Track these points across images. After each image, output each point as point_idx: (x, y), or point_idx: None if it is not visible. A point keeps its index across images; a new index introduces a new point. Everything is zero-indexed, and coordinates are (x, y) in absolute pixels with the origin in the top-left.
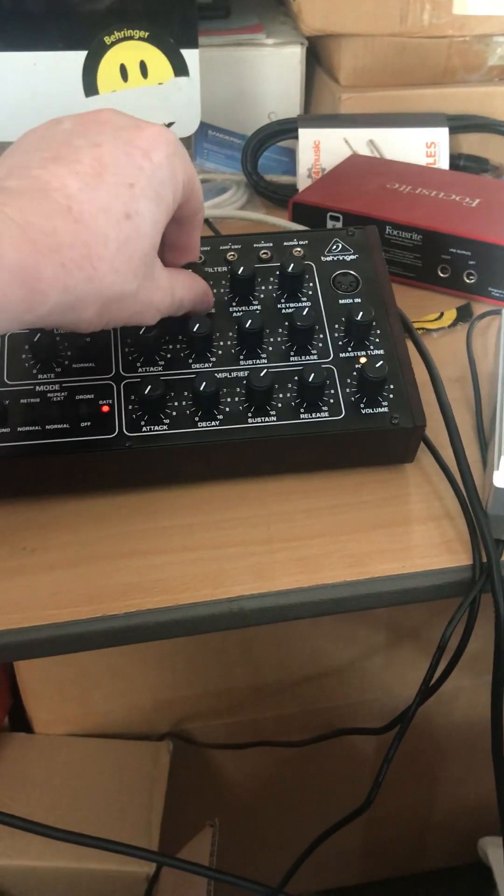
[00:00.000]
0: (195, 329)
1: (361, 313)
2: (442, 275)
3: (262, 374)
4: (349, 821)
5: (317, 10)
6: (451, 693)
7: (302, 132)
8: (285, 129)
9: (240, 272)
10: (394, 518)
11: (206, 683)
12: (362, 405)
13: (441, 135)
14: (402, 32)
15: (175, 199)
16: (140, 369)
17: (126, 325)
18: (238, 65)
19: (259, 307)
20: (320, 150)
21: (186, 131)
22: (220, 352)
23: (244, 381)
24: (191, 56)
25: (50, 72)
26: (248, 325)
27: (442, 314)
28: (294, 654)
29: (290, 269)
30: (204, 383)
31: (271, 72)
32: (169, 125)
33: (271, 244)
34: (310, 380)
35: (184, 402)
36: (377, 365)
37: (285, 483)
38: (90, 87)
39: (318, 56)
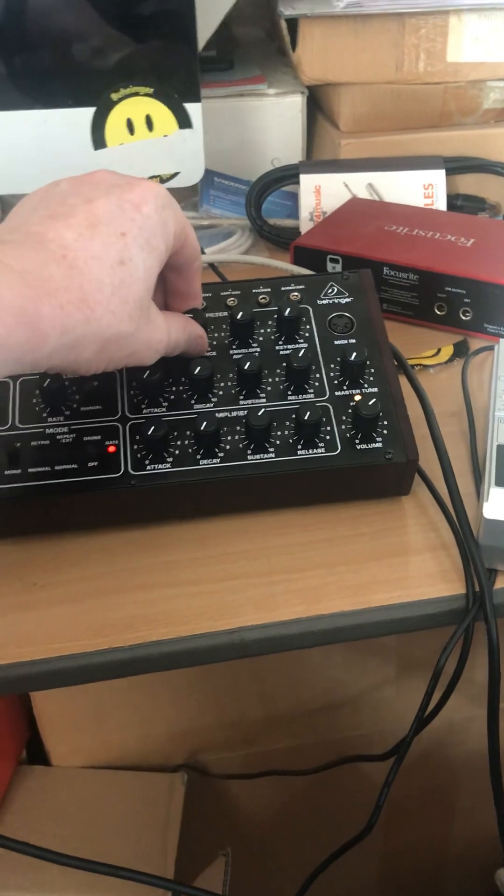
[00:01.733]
0: (196, 371)
1: (355, 353)
2: (439, 312)
3: (260, 413)
4: (351, 846)
5: (316, 60)
6: (463, 723)
7: (303, 177)
8: (287, 175)
9: (239, 317)
10: (390, 549)
11: (220, 715)
12: (357, 441)
13: (438, 177)
14: (398, 80)
15: (167, 248)
16: (144, 411)
17: (126, 365)
18: (241, 114)
19: (258, 349)
20: (321, 194)
21: (191, 180)
22: (220, 393)
23: (244, 420)
24: (194, 109)
25: (60, 127)
26: (247, 367)
27: (439, 350)
28: (306, 684)
29: (286, 312)
30: (205, 423)
31: (274, 120)
32: (174, 175)
33: (269, 289)
34: (306, 417)
35: (186, 442)
36: (370, 403)
37: (285, 517)
38: (99, 141)
39: (318, 103)
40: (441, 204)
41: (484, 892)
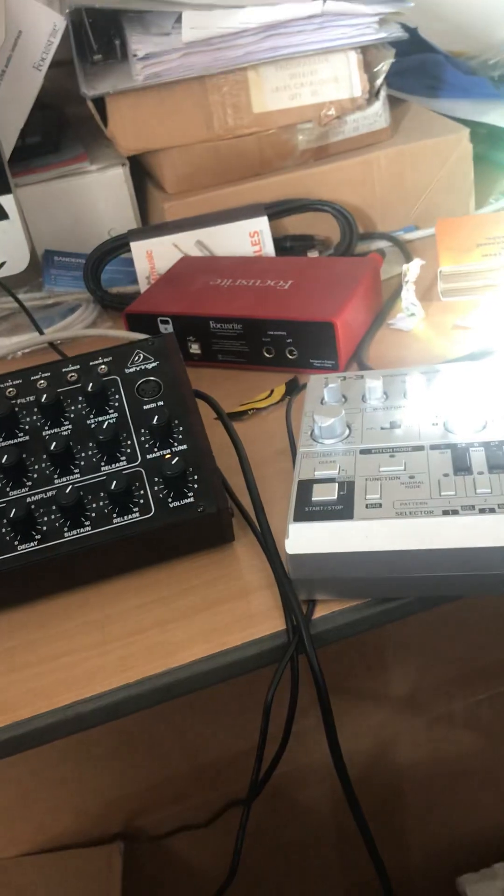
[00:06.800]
0: (4, 460)
1: (157, 416)
2: (267, 355)
3: (67, 491)
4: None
5: (128, 132)
6: (390, 739)
7: (133, 245)
8: (119, 245)
9: (43, 399)
10: (221, 596)
11: (148, 777)
12: (170, 500)
13: (262, 223)
14: (211, 137)
15: None
16: None
17: None
18: (68, 194)
19: (70, 427)
20: (154, 257)
21: (19, 268)
22: (35, 476)
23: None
24: (7, 201)
25: None
26: (52, 447)
27: (272, 391)
28: (227, 730)
29: (90, 388)
30: (14, 510)
31: (101, 193)
32: (2, 264)
33: (78, 366)
34: (113, 487)
35: (2, 530)
36: (174, 462)
37: (121, 583)
38: None
39: (146, 170)
40: (269, 249)
41: None
